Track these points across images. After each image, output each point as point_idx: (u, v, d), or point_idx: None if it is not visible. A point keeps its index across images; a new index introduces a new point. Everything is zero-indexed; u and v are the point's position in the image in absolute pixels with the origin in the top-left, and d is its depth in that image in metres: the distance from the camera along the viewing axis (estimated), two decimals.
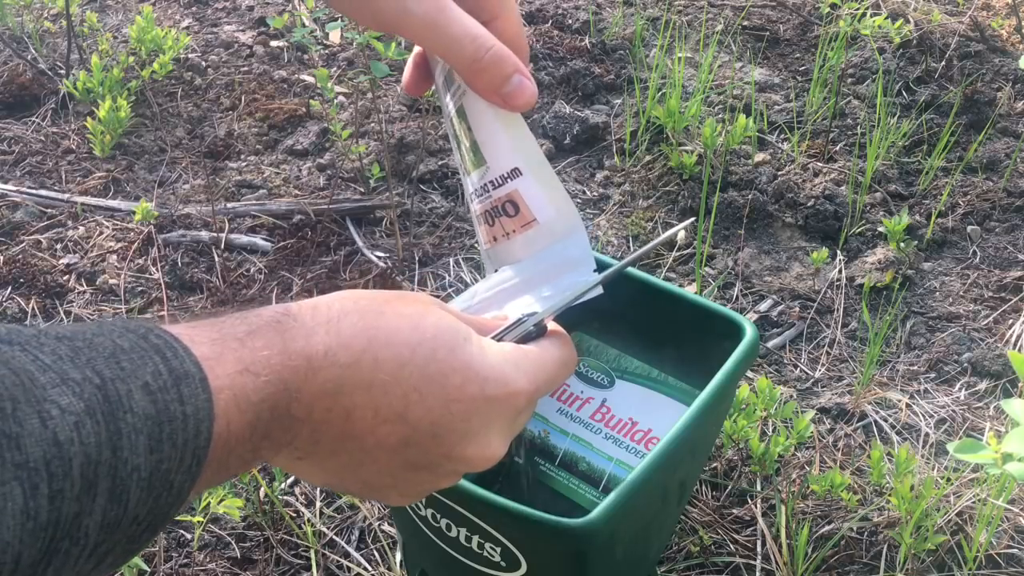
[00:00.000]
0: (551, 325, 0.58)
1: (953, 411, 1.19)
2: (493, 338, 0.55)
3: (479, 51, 0.55)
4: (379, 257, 1.40)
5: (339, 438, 0.47)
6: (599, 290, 0.59)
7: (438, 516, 0.73)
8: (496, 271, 0.63)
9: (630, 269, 0.89)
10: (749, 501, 1.06)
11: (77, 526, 0.36)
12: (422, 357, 0.48)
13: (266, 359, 0.44)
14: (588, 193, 1.54)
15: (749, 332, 0.81)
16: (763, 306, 1.35)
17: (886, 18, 1.82)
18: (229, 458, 0.43)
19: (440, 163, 1.59)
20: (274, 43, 1.90)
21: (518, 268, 0.61)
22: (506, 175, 0.61)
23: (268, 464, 0.53)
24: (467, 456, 0.50)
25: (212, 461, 0.42)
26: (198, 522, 1.01)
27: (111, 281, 1.35)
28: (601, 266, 0.63)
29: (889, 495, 1.04)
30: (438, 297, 1.33)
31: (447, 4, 0.55)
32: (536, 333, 0.56)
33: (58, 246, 1.41)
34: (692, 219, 0.67)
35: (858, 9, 1.88)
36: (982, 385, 1.23)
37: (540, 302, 0.58)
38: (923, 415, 1.18)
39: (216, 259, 1.39)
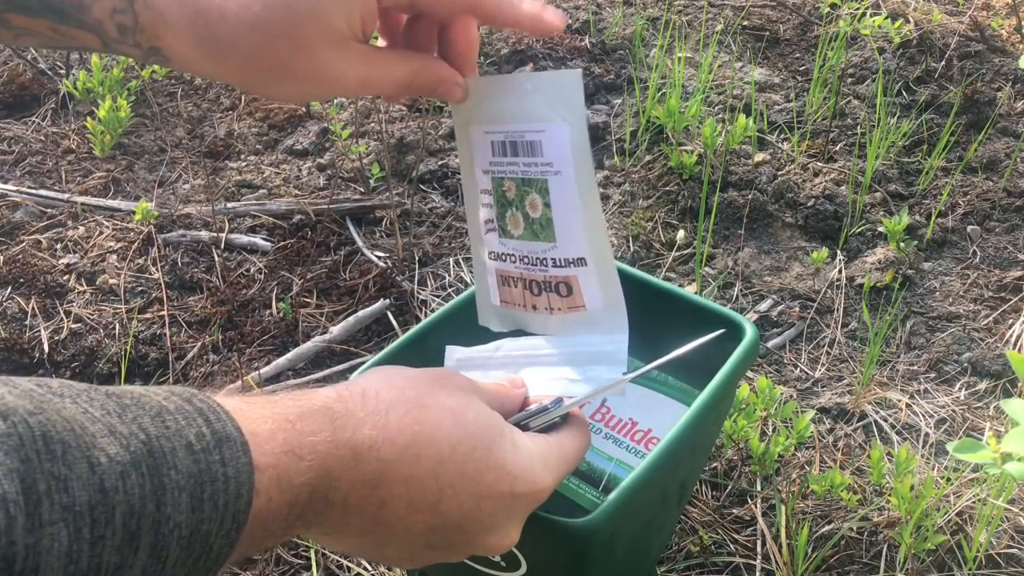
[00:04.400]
0: (573, 411, 0.61)
1: (953, 411, 1.19)
2: (519, 422, 0.58)
3: (404, 88, 0.60)
4: (379, 257, 1.40)
5: (370, 523, 0.50)
6: (623, 389, 0.61)
7: None
8: (507, 329, 0.64)
9: (629, 269, 0.89)
10: (749, 501, 1.07)
11: None
12: (461, 455, 0.51)
13: (312, 445, 0.46)
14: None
15: (749, 332, 0.81)
16: (763, 306, 1.35)
17: (886, 18, 1.82)
18: (264, 534, 0.44)
19: (440, 163, 1.59)
20: None
21: (551, 342, 0.63)
22: (572, 260, 0.61)
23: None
24: (487, 544, 0.54)
25: (249, 533, 0.43)
26: None
27: (111, 281, 1.35)
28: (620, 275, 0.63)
29: (889, 495, 1.04)
30: (438, 298, 1.34)
31: (368, 70, 0.57)
32: (561, 420, 0.59)
33: (58, 246, 1.41)
34: (721, 330, 0.68)
35: (858, 9, 1.88)
36: (982, 385, 1.23)
37: (562, 384, 0.61)
38: (923, 415, 1.19)
39: (216, 259, 1.38)
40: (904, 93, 1.77)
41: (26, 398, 0.37)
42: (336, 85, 0.57)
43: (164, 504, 0.38)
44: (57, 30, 0.53)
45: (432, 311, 1.30)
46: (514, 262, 0.64)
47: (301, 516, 0.46)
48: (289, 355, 1.22)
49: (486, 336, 0.74)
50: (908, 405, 1.20)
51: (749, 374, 1.22)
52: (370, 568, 0.99)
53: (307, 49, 0.55)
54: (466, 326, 0.82)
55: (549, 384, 0.62)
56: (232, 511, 0.41)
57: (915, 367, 1.26)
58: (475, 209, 0.68)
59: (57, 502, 0.35)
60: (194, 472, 0.40)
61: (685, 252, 1.43)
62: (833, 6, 1.93)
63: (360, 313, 1.28)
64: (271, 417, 0.46)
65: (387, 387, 0.52)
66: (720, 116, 1.69)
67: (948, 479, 1.08)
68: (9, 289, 1.33)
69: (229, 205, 1.48)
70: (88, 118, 1.61)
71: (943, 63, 1.82)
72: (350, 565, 1.00)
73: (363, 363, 0.84)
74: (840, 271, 1.39)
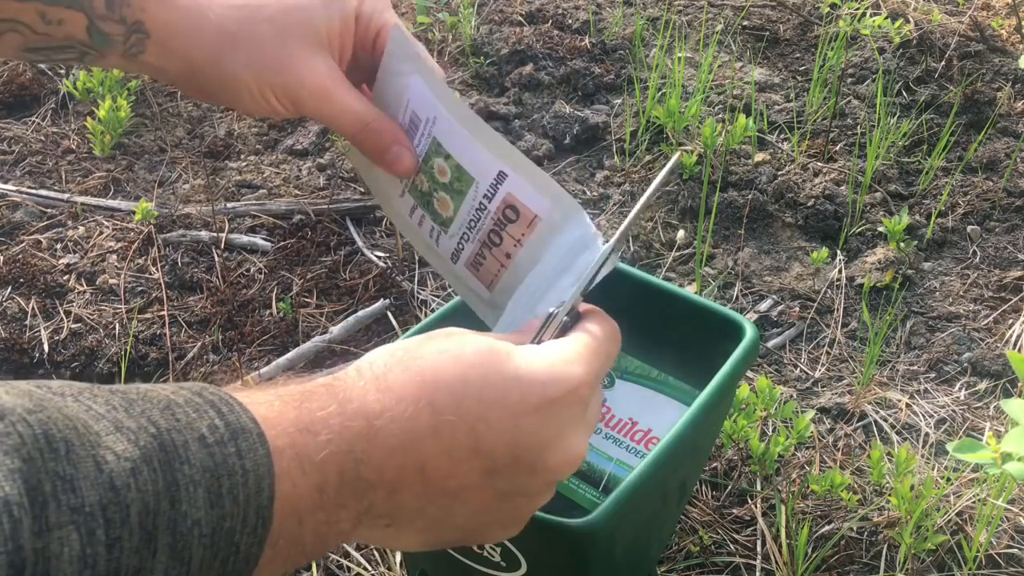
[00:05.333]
0: (583, 307, 0.57)
1: (953, 411, 1.19)
2: (532, 343, 0.54)
3: (357, 125, 0.61)
4: (379, 257, 1.40)
5: (420, 493, 0.46)
6: (616, 260, 0.59)
7: None
8: (511, 304, 0.63)
9: (629, 269, 0.89)
10: (749, 501, 1.06)
11: None
12: (476, 386, 0.47)
13: (324, 420, 0.43)
14: (588, 193, 1.54)
15: (749, 332, 0.81)
16: (763, 306, 1.35)
17: (886, 18, 1.82)
18: (301, 529, 0.42)
19: None
20: None
21: (537, 274, 0.62)
22: (496, 181, 0.61)
23: (359, 542, 0.53)
24: (552, 466, 0.49)
25: (282, 529, 0.41)
26: None
27: (111, 281, 1.35)
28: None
29: (889, 495, 1.04)
30: (438, 298, 1.34)
31: (333, 84, 0.59)
32: (571, 322, 0.55)
33: (58, 246, 1.41)
34: (679, 154, 0.67)
35: (858, 9, 1.88)
36: (982, 385, 1.23)
37: (566, 293, 0.58)
38: (923, 415, 1.19)
39: (216, 259, 1.38)
40: (904, 93, 1.77)
41: (24, 397, 0.35)
42: (297, 85, 0.58)
43: (179, 501, 0.36)
44: (46, 16, 0.54)
45: (432, 311, 1.30)
46: (468, 240, 0.65)
47: (341, 504, 0.43)
48: (289, 355, 1.22)
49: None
50: (908, 405, 1.20)
51: (749, 374, 1.22)
52: (370, 568, 0.99)
53: (286, 39, 0.56)
54: (466, 325, 0.82)
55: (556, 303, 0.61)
56: (255, 506, 0.39)
57: (915, 367, 1.26)
58: (415, 233, 0.69)
59: (65, 503, 0.33)
60: (209, 466, 0.38)
61: (685, 252, 1.43)
62: (833, 6, 1.93)
63: (360, 313, 1.28)
64: (277, 398, 0.44)
65: (377, 356, 0.48)
66: (720, 116, 1.69)
67: (948, 479, 1.08)
68: (9, 289, 1.33)
69: (229, 205, 1.48)
70: (88, 118, 1.61)
71: (943, 63, 1.82)
72: (350, 565, 1.00)
73: None
74: (840, 271, 1.39)
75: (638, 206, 0.59)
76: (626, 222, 0.59)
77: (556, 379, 0.49)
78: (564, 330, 0.55)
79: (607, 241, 0.58)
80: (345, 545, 1.02)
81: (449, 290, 1.35)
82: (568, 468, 0.50)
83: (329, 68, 0.58)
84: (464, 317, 0.82)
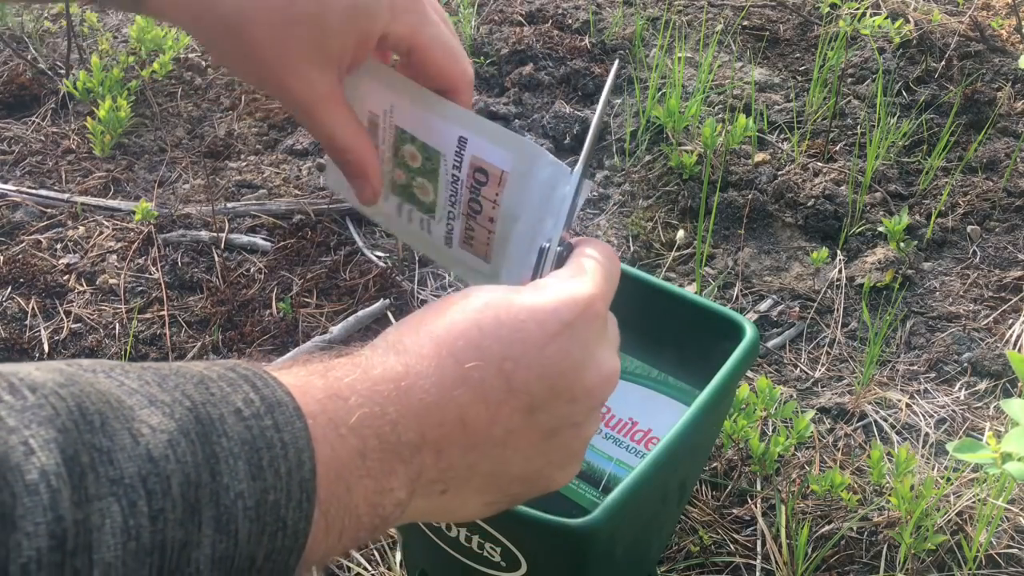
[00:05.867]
0: (574, 239, 0.57)
1: (953, 411, 1.19)
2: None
3: (333, 149, 0.60)
4: (379, 257, 1.40)
5: (467, 447, 0.45)
6: (589, 185, 0.59)
7: None
8: (511, 266, 0.63)
9: (629, 269, 0.89)
10: (749, 501, 1.06)
11: (187, 560, 0.34)
12: (491, 328, 0.46)
13: (351, 385, 0.43)
14: (588, 193, 1.54)
15: (749, 332, 0.81)
16: (763, 306, 1.35)
17: (886, 18, 1.82)
18: (351, 496, 0.41)
19: None
20: None
21: (519, 230, 0.62)
22: (460, 147, 0.61)
23: (418, 519, 0.51)
24: (590, 387, 0.48)
25: (330, 497, 0.40)
26: None
27: (111, 281, 1.35)
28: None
29: (889, 495, 1.04)
30: (438, 298, 1.33)
31: (323, 104, 0.57)
32: (566, 251, 0.55)
33: (58, 246, 1.41)
34: (616, 63, 0.67)
35: (858, 9, 1.88)
36: (982, 385, 1.23)
37: (552, 232, 0.58)
38: (923, 415, 1.19)
39: (216, 259, 1.39)
40: (904, 93, 1.77)
41: (55, 372, 0.34)
42: (287, 99, 0.57)
43: (219, 473, 0.35)
44: None
45: None
46: (454, 217, 0.65)
47: (389, 471, 0.42)
48: (289, 355, 1.22)
49: None
50: (908, 405, 1.20)
51: (749, 374, 1.22)
52: (370, 568, 0.99)
53: (287, 51, 0.54)
54: None
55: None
56: (298, 479, 0.38)
57: (915, 367, 1.26)
58: (408, 232, 0.69)
59: (104, 475, 0.32)
60: (247, 439, 0.37)
61: (685, 252, 1.43)
62: (833, 6, 1.93)
63: (360, 313, 1.28)
64: (304, 370, 0.43)
65: (387, 332, 0.48)
66: (720, 116, 1.69)
67: (948, 479, 1.08)
68: (9, 289, 1.33)
69: (229, 205, 1.48)
70: (88, 118, 1.61)
71: (943, 63, 1.82)
72: (350, 565, 1.00)
73: None
74: (840, 271, 1.39)
75: (595, 121, 0.59)
76: (588, 143, 0.58)
77: (568, 301, 0.48)
78: (560, 262, 0.55)
79: (574, 169, 0.58)
80: None
81: (449, 290, 1.35)
82: (608, 386, 0.49)
83: (324, 85, 0.56)
84: None
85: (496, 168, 0.61)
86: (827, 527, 1.03)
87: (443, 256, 0.69)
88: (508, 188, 0.61)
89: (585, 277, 0.50)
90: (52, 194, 1.50)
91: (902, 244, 1.41)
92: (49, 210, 1.48)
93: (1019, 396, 1.20)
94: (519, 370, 0.46)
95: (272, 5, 0.53)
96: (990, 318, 1.33)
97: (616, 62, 0.62)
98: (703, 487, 1.08)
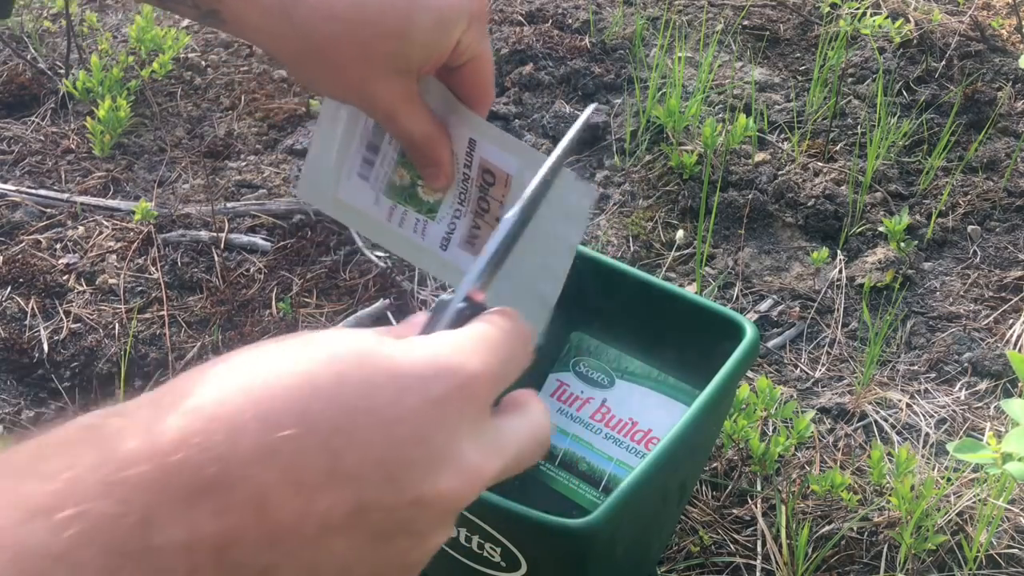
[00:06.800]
0: (486, 301, 0.46)
1: (953, 411, 1.19)
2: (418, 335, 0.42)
3: (410, 143, 0.61)
4: (379, 257, 1.40)
5: (265, 543, 0.32)
6: (518, 225, 0.46)
7: None
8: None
9: (629, 269, 0.89)
10: (749, 501, 1.06)
11: None
12: (328, 386, 0.34)
13: (70, 484, 0.29)
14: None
15: (749, 332, 0.81)
16: (763, 306, 1.35)
17: (886, 17, 1.82)
18: None
19: None
20: None
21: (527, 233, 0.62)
22: (468, 148, 0.63)
23: None
24: (444, 490, 0.35)
25: None
26: None
27: (111, 281, 1.34)
28: (583, 258, 0.64)
29: (889, 495, 1.04)
30: (438, 298, 1.33)
31: (404, 107, 0.58)
32: (469, 310, 0.43)
33: (58, 246, 1.41)
34: (595, 105, 0.67)
35: (858, 8, 1.88)
36: (982, 385, 1.23)
37: (464, 283, 0.47)
38: (923, 415, 1.18)
39: (216, 259, 1.38)
40: (904, 93, 1.77)
41: None
42: (369, 105, 0.58)
43: None
44: None
45: None
46: (460, 216, 0.65)
47: None
48: None
49: None
50: (908, 405, 1.19)
51: (749, 374, 1.22)
52: None
53: (372, 65, 0.55)
54: None
55: None
56: None
57: (915, 367, 1.26)
58: (394, 237, 0.69)
59: None
60: None
61: (685, 252, 1.43)
62: (833, 6, 1.93)
63: (360, 313, 1.28)
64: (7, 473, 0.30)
65: (188, 373, 0.35)
66: (720, 116, 1.69)
67: (948, 479, 1.08)
68: (9, 289, 1.33)
69: (229, 205, 1.48)
70: (88, 118, 1.61)
71: (943, 63, 1.82)
72: None
73: None
74: (840, 271, 1.39)
75: (554, 155, 0.50)
76: (532, 188, 0.48)
77: (444, 372, 0.36)
78: (462, 320, 0.43)
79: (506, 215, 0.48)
80: None
81: (450, 290, 1.35)
82: (467, 493, 0.36)
83: (404, 91, 0.57)
84: None
85: (502, 171, 0.61)
86: (827, 527, 1.03)
87: (431, 261, 0.69)
88: (512, 192, 0.61)
89: (478, 351, 0.38)
90: (52, 194, 1.50)
91: (902, 244, 1.41)
92: (49, 210, 1.48)
93: (1019, 396, 1.19)
94: (352, 449, 0.33)
95: (358, 21, 0.54)
96: (991, 318, 1.33)
97: (592, 106, 0.62)
98: (703, 487, 1.08)
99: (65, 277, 1.35)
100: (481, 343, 0.39)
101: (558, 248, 0.60)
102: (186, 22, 1.96)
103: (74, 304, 1.31)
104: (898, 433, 1.16)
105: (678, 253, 1.42)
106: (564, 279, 0.60)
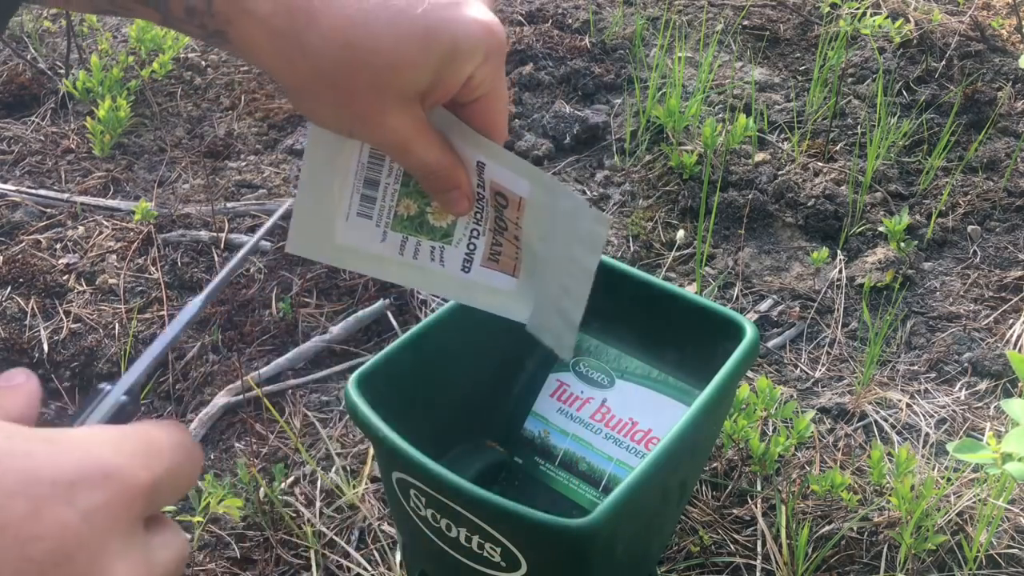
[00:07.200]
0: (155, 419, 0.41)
1: (953, 411, 1.19)
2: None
3: (424, 173, 0.59)
4: None
5: None
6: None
7: (438, 516, 0.73)
8: (543, 287, 0.63)
9: (629, 269, 0.89)
10: (749, 501, 1.06)
11: None
12: None
13: None
14: (588, 193, 1.54)
15: (749, 332, 0.81)
16: (763, 306, 1.35)
17: (886, 18, 1.82)
18: None
19: None
20: None
21: (550, 245, 0.62)
22: (478, 170, 0.62)
23: None
24: None
25: None
26: (198, 522, 1.01)
27: (111, 281, 1.34)
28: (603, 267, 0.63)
29: (889, 495, 1.04)
30: (438, 298, 1.34)
31: (416, 137, 0.57)
32: (133, 408, 0.38)
33: (58, 246, 1.41)
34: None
35: (858, 9, 1.88)
36: (982, 385, 1.23)
37: (128, 375, 0.42)
38: (923, 415, 1.18)
39: (216, 259, 1.38)
40: (904, 93, 1.77)
41: None
42: (379, 138, 0.56)
43: None
44: (115, 1, 0.52)
45: (432, 311, 1.30)
46: (479, 235, 0.65)
47: None
48: (289, 355, 1.22)
49: (486, 333, 0.74)
50: (908, 405, 1.19)
51: (749, 374, 1.22)
52: (370, 568, 0.99)
53: (383, 95, 0.53)
54: (466, 326, 0.82)
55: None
56: None
57: (915, 367, 1.26)
58: (410, 271, 0.68)
59: None
60: None
61: (685, 252, 1.43)
62: (833, 6, 1.93)
63: (360, 313, 1.28)
64: None
65: None
66: (720, 116, 1.69)
67: (948, 479, 1.08)
68: (9, 289, 1.33)
69: (229, 205, 1.48)
70: (88, 118, 1.61)
71: (943, 63, 1.82)
72: (350, 565, 1.00)
73: (363, 363, 0.84)
74: (840, 271, 1.39)
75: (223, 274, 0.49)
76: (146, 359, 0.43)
77: (93, 476, 0.31)
78: (123, 417, 0.39)
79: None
80: (345, 545, 1.02)
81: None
82: None
83: (415, 121, 0.56)
84: (464, 318, 0.81)
85: (515, 195, 0.61)
86: (827, 527, 1.03)
87: (455, 287, 0.68)
88: (527, 213, 0.61)
89: (137, 449, 0.34)
90: (52, 194, 1.50)
91: (902, 244, 1.41)
92: (49, 210, 1.48)
93: (1019, 396, 1.19)
94: None
95: (372, 49, 0.52)
96: (990, 318, 1.33)
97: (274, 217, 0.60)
98: (703, 487, 1.08)
99: (65, 277, 1.35)
100: (145, 445, 0.34)
101: (576, 272, 0.60)
102: None
103: (74, 304, 1.31)
104: (898, 433, 1.16)
105: (678, 253, 1.42)
106: (585, 302, 0.60)
